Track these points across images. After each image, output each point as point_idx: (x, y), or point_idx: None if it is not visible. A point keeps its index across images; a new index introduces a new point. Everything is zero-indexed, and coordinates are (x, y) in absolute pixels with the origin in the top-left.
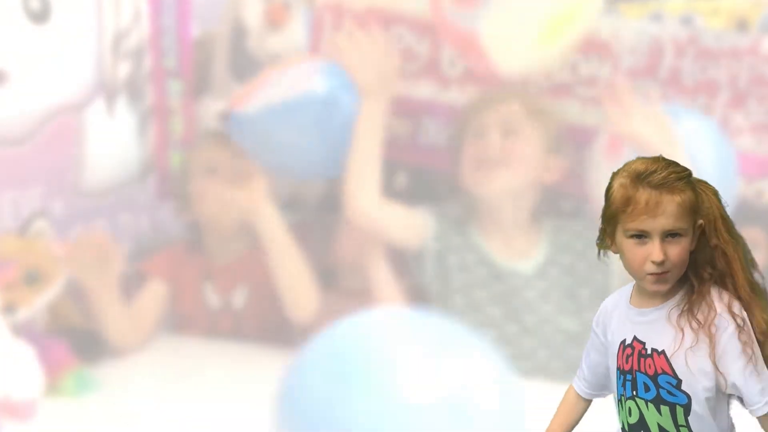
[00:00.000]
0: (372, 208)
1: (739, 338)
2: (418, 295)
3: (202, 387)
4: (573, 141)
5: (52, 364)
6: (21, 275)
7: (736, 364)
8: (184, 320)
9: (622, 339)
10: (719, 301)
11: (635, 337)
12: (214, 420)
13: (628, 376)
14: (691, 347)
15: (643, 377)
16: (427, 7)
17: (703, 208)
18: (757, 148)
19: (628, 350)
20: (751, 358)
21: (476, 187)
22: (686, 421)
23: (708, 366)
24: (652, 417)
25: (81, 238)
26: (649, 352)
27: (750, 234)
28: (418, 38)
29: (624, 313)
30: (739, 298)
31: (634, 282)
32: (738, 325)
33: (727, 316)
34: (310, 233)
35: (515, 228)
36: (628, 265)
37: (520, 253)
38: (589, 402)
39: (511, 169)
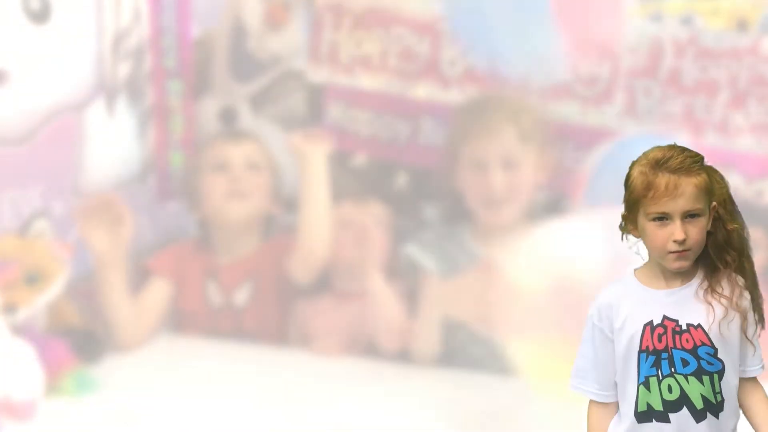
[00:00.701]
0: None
1: (752, 308)
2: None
3: (202, 387)
4: (573, 141)
5: (52, 364)
6: (21, 275)
7: (751, 332)
8: (184, 318)
9: (647, 321)
10: (737, 278)
11: (665, 316)
12: (214, 419)
13: (663, 355)
14: (722, 319)
15: (680, 353)
16: (428, 6)
17: (716, 190)
18: (757, 148)
19: (660, 329)
20: (756, 327)
21: (484, 219)
22: (720, 386)
23: (737, 335)
24: (694, 390)
25: (92, 199)
26: (684, 327)
27: (750, 234)
28: (418, 38)
29: (641, 298)
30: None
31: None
32: (750, 299)
33: (746, 292)
34: None
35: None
36: (651, 246)
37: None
38: (616, 405)
39: (516, 201)
